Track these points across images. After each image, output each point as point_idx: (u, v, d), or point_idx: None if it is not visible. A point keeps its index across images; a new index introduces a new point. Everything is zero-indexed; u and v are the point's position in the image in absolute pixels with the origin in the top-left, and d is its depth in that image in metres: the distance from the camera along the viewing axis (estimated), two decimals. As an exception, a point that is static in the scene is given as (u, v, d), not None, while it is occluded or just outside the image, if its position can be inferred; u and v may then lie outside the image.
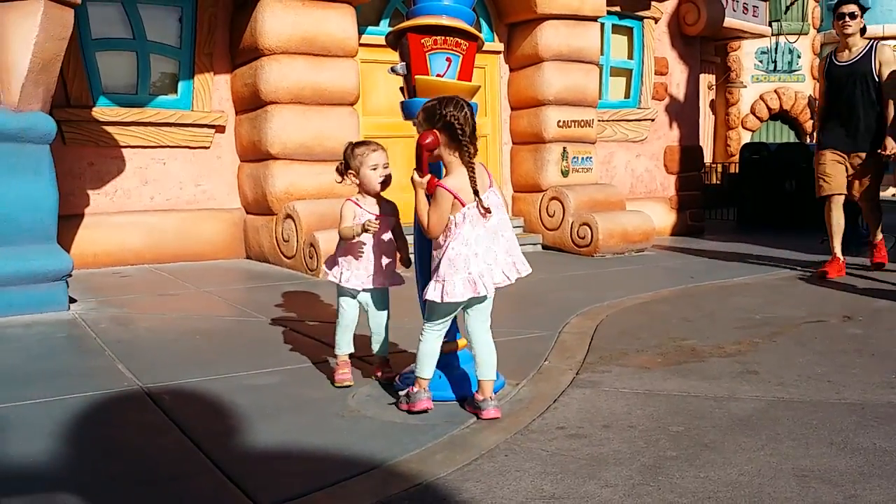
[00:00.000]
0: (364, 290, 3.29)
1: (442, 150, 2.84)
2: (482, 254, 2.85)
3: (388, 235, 3.31)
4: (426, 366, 2.95)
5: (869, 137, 6.22)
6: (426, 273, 3.10)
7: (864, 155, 6.26)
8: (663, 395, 3.22)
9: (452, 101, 2.83)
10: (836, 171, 6.32)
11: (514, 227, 8.85)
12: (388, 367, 3.41)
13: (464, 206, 2.80)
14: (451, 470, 2.43)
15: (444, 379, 3.15)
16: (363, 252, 3.24)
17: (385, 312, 3.38)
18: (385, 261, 3.30)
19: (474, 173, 2.83)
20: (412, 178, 2.90)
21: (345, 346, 3.35)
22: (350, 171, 3.27)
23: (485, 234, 2.86)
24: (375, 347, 3.40)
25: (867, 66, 6.26)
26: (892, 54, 6.32)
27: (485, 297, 2.90)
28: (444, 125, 2.80)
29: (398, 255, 3.35)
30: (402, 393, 3.03)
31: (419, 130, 2.86)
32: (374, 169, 3.24)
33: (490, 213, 2.84)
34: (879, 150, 6.14)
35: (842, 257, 6.37)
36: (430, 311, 2.94)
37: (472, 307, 2.94)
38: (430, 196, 2.86)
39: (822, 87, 6.56)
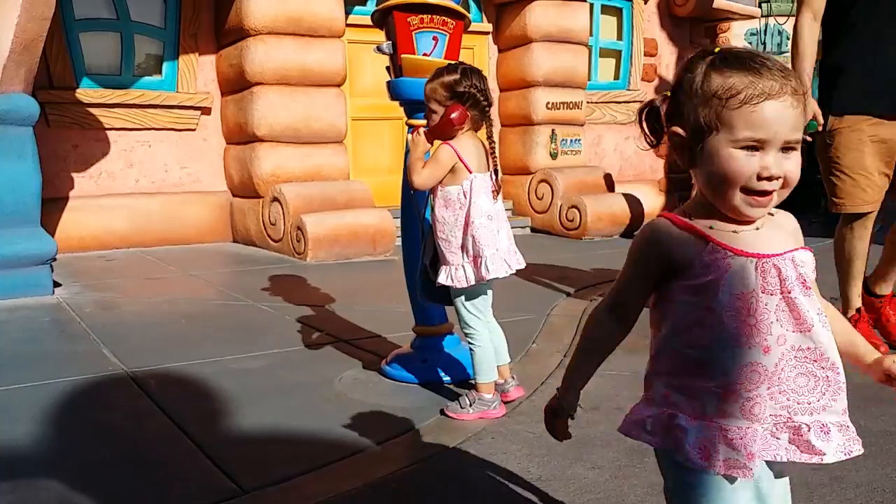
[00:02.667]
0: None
1: (465, 126, 2.67)
2: (500, 232, 2.69)
3: None
4: (490, 367, 2.74)
5: None
6: (419, 255, 3.03)
7: None
8: (651, 376, 3.22)
9: (475, 72, 2.66)
10: (869, 163, 3.37)
11: (502, 210, 8.91)
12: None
13: (470, 172, 2.63)
14: (437, 452, 2.42)
15: (430, 362, 3.14)
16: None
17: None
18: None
19: (494, 147, 2.71)
20: (411, 137, 2.74)
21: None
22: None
23: (499, 213, 2.72)
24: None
25: None
26: None
27: (490, 283, 2.75)
28: (472, 100, 2.63)
29: None
30: (462, 404, 2.73)
31: (434, 105, 2.64)
32: None
33: (499, 192, 2.73)
34: None
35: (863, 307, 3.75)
36: (466, 298, 2.71)
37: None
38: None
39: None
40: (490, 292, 2.81)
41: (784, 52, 18.01)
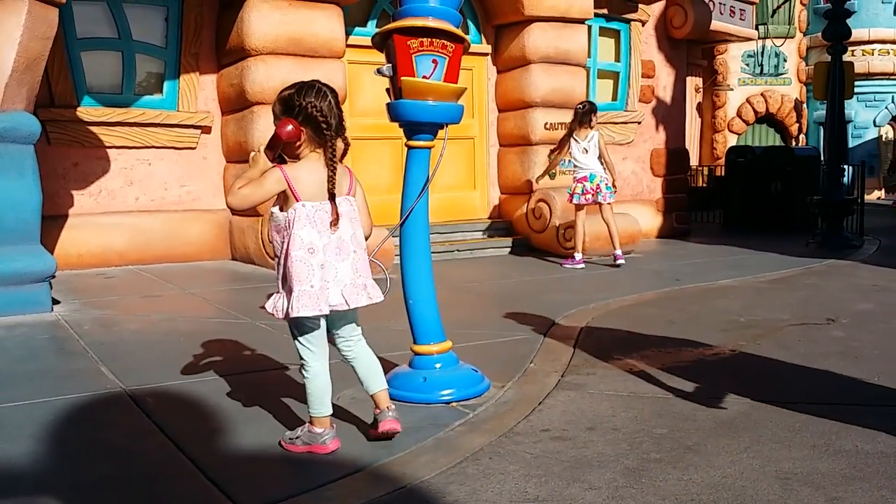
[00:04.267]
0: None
1: (303, 144, 2.51)
2: (327, 266, 2.50)
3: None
4: (319, 401, 2.59)
5: None
6: (418, 274, 3.04)
7: None
8: (647, 397, 3.23)
9: (312, 88, 2.50)
10: None
11: (500, 229, 8.96)
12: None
13: (297, 200, 2.46)
14: (435, 472, 2.43)
15: (429, 381, 3.14)
16: None
17: None
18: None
19: (334, 173, 2.49)
20: (252, 154, 2.57)
21: None
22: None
23: (331, 244, 2.51)
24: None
25: None
26: None
27: (346, 313, 2.59)
28: (305, 117, 2.47)
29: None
30: (293, 435, 2.63)
31: (274, 121, 2.53)
32: None
33: (337, 223, 2.50)
34: None
35: None
36: (298, 330, 2.59)
37: (339, 326, 2.66)
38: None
39: None
40: (346, 322, 2.66)
41: (782, 74, 18.17)
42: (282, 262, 2.53)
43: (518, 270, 7.04)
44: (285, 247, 2.50)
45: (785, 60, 18.22)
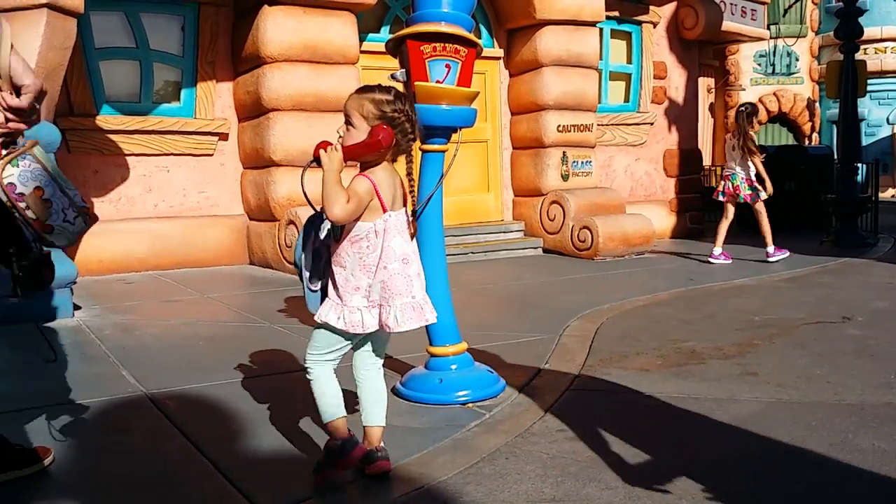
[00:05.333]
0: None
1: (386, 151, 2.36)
2: (422, 275, 2.40)
3: None
4: (327, 404, 2.44)
5: None
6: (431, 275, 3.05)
7: None
8: (663, 396, 3.25)
9: (400, 95, 2.40)
10: None
11: (514, 231, 8.99)
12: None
13: (385, 211, 2.34)
14: (452, 473, 2.45)
15: (445, 382, 3.17)
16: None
17: None
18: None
19: (412, 181, 2.41)
20: (324, 151, 2.30)
21: None
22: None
23: (415, 254, 2.40)
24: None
25: None
26: None
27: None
28: (398, 124, 2.34)
29: None
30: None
31: (357, 121, 2.36)
32: None
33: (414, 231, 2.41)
34: None
35: None
36: (324, 339, 2.42)
37: (371, 340, 2.50)
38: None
39: None
40: (382, 339, 2.52)
41: (794, 73, 18.08)
42: (362, 274, 2.33)
43: (532, 272, 7.06)
44: (375, 259, 2.32)
45: (797, 60, 18.14)
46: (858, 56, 9.54)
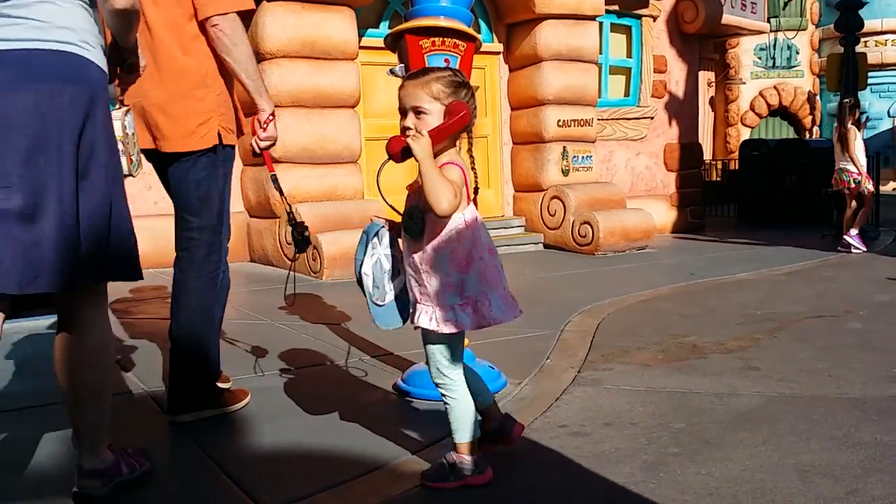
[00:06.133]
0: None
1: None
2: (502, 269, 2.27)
3: None
4: (471, 424, 2.31)
5: None
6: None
7: None
8: (665, 391, 3.24)
9: (455, 69, 2.31)
10: None
11: (515, 227, 8.98)
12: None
13: (470, 199, 2.22)
14: (454, 469, 2.44)
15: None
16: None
17: None
18: None
19: (474, 168, 2.26)
20: (412, 139, 2.14)
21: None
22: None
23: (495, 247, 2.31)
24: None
25: None
26: None
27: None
28: (470, 97, 2.21)
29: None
30: (441, 471, 2.32)
31: (428, 104, 2.19)
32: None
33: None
34: None
35: None
36: (448, 344, 2.27)
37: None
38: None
39: None
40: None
41: (794, 66, 18.05)
42: (452, 269, 2.19)
43: (533, 267, 7.06)
44: (464, 251, 2.18)
45: (797, 53, 18.10)
46: (859, 49, 9.53)
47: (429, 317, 2.22)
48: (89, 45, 2.02)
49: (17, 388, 3.43)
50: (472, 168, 2.25)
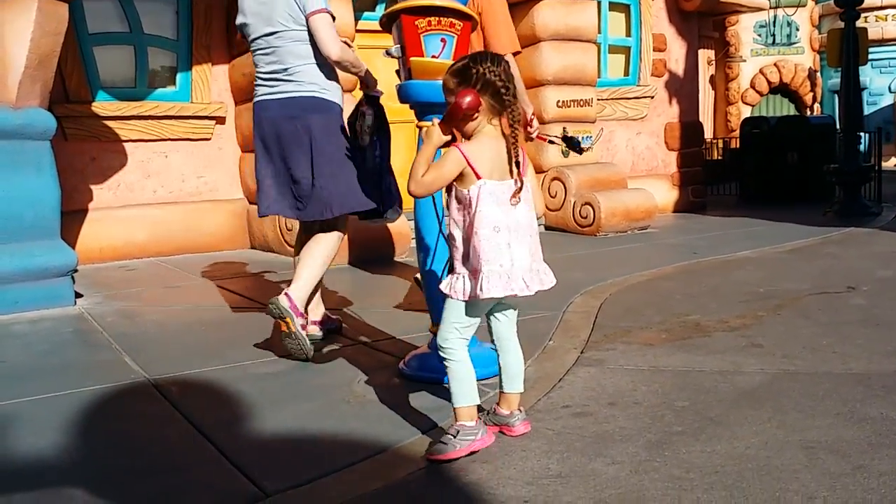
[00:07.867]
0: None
1: (480, 115, 2.37)
2: (514, 246, 2.36)
3: None
4: (469, 388, 2.43)
5: None
6: (433, 256, 3.06)
7: None
8: (668, 370, 3.23)
9: (486, 54, 2.40)
10: None
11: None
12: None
13: (479, 178, 2.33)
14: (458, 451, 2.43)
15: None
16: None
17: None
18: None
19: (516, 140, 2.35)
20: (425, 129, 2.45)
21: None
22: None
23: (512, 224, 2.36)
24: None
25: None
26: None
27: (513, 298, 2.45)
28: (484, 84, 2.33)
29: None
30: (445, 441, 2.37)
31: (449, 98, 2.39)
32: None
33: (519, 198, 2.37)
34: None
35: None
36: (451, 311, 2.44)
37: (500, 310, 2.55)
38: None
39: None
40: (512, 309, 2.57)
41: (794, 43, 17.92)
42: (459, 241, 2.39)
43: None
44: (467, 225, 2.36)
45: (797, 29, 17.95)
46: (859, 24, 9.44)
47: (445, 282, 2.47)
48: (327, 90, 3.72)
49: (23, 379, 3.43)
50: (515, 155, 2.37)
